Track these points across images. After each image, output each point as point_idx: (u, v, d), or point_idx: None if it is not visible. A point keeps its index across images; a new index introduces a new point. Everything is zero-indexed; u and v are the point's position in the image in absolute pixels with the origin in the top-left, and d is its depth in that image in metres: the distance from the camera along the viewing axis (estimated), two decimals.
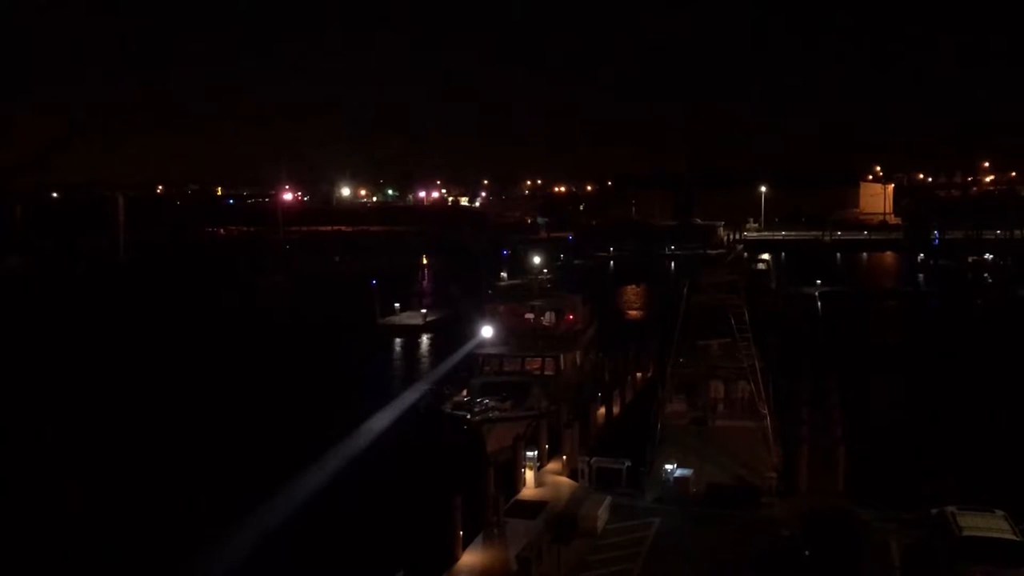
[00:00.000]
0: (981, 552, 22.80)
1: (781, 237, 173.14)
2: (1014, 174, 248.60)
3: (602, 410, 41.48)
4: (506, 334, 45.19)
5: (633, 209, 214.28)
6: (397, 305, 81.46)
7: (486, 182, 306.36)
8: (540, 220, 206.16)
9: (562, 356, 43.30)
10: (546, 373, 42.14)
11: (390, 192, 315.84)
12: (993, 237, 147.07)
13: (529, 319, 47.37)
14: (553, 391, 40.26)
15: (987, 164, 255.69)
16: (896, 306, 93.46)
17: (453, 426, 37.14)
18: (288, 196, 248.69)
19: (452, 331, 65.52)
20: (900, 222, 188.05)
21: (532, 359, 43.04)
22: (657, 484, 30.23)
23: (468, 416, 36.68)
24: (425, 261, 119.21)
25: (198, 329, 79.12)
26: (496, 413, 37.16)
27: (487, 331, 45.11)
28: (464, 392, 40.32)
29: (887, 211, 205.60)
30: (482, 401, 38.12)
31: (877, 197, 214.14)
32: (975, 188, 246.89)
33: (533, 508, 29.29)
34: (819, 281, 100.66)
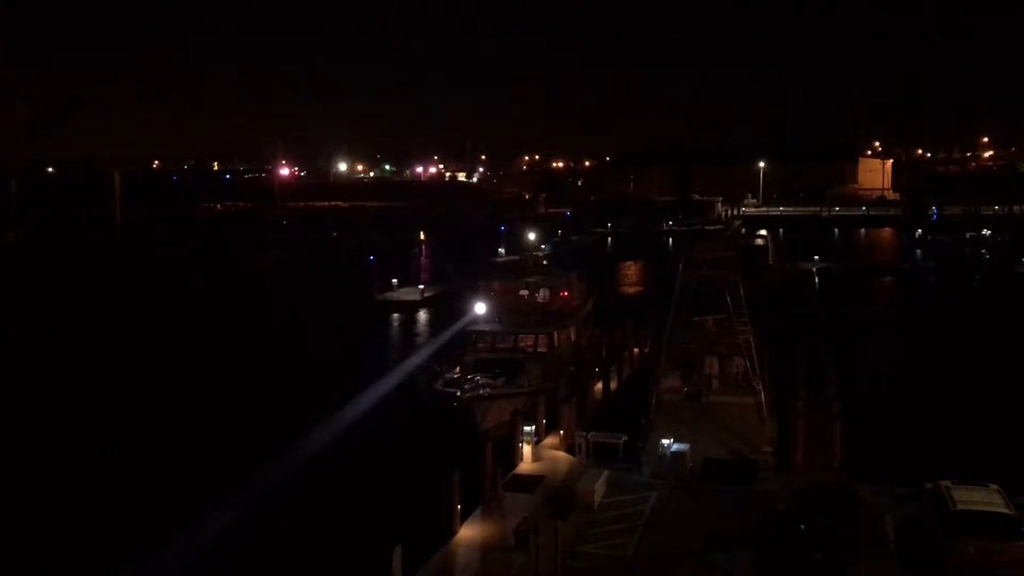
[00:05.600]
0: (975, 526, 22.94)
1: (779, 213, 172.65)
2: (1013, 149, 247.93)
3: (599, 386, 41.59)
4: (499, 311, 45.17)
5: (631, 185, 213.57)
6: (395, 281, 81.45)
7: (484, 157, 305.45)
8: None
9: (556, 333, 43.28)
10: (540, 350, 42.15)
11: (387, 167, 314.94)
12: (992, 213, 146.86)
13: (523, 296, 47.32)
14: (547, 368, 40.31)
15: (986, 139, 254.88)
16: (893, 282, 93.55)
17: (444, 403, 37.24)
18: (285, 171, 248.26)
19: (450, 307, 65.54)
20: (898, 198, 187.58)
21: (525, 336, 43.05)
22: (654, 459, 30.39)
23: (458, 393, 36.74)
24: (423, 237, 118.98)
25: (193, 304, 79.11)
26: (487, 391, 37.21)
27: (480, 308, 45.12)
28: (456, 369, 40.37)
29: (885, 187, 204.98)
30: (473, 378, 38.17)
31: (875, 173, 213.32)
32: (974, 164, 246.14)
33: (531, 482, 29.45)
34: (816, 257, 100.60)
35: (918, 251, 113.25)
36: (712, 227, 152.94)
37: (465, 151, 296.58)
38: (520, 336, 43.11)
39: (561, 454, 32.50)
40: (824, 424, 31.80)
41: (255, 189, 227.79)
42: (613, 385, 41.83)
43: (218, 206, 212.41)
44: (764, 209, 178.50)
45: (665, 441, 30.44)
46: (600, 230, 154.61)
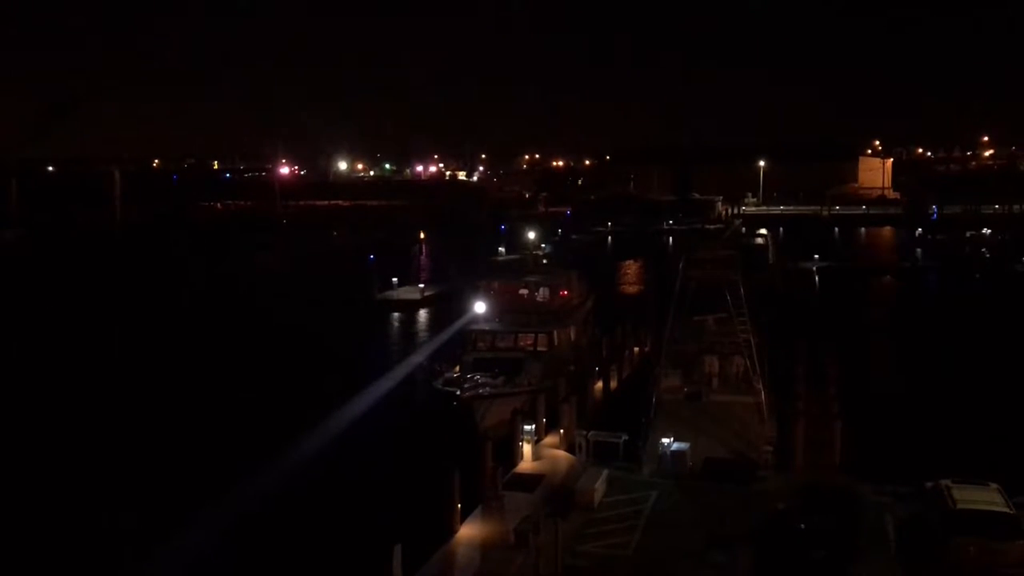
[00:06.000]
0: (974, 524, 22.99)
1: (779, 212, 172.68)
2: (1014, 148, 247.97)
3: (599, 385, 41.58)
4: (499, 310, 45.19)
5: (631, 184, 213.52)
6: (395, 280, 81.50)
7: (484, 156, 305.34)
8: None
9: (556, 332, 43.25)
10: (539, 349, 42.14)
11: (388, 166, 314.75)
12: (992, 212, 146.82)
13: (523, 295, 47.33)
14: (547, 367, 40.30)
15: (987, 138, 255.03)
16: (894, 281, 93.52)
17: (444, 402, 37.21)
18: (285, 170, 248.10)
19: (450, 306, 65.54)
20: (899, 197, 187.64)
21: (525, 335, 43.03)
22: (654, 458, 30.39)
23: (458, 392, 36.74)
24: (423, 236, 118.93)
25: (194, 303, 79.13)
26: (487, 389, 37.19)
27: (480, 307, 45.16)
28: (456, 368, 40.34)
29: (886, 186, 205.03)
30: (473, 377, 38.14)
31: (876, 172, 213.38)
32: (974, 163, 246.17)
33: (531, 481, 29.44)
34: (817, 256, 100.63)
35: (918, 250, 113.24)
36: (712, 226, 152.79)
37: (465, 151, 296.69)
38: (520, 335, 43.10)
39: (561, 453, 32.49)
40: (824, 423, 31.82)
41: (255, 188, 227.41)
42: (613, 384, 41.82)
43: (218, 205, 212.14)
44: (764, 208, 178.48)
45: (665, 440, 30.45)
46: (600, 229, 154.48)
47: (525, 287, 47.64)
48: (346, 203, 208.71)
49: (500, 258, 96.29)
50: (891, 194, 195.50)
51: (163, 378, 49.57)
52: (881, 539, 24.74)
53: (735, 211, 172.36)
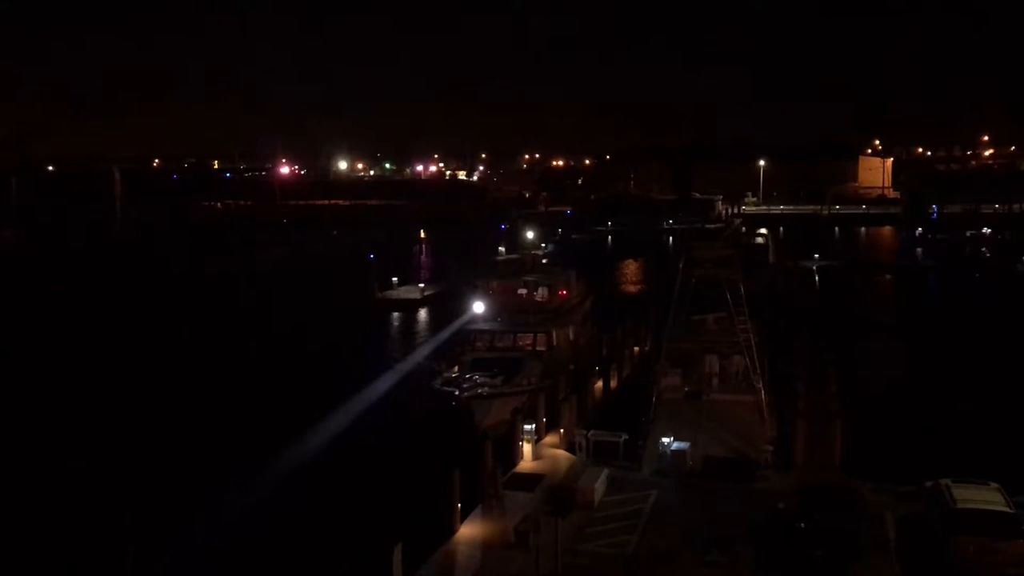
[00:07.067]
0: (975, 524, 22.98)
1: (779, 211, 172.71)
2: (1014, 148, 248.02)
3: (599, 384, 41.58)
4: (498, 310, 45.18)
5: (631, 183, 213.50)
6: (395, 279, 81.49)
7: (484, 156, 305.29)
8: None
9: (554, 332, 43.27)
10: (538, 349, 42.13)
11: (388, 166, 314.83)
12: (992, 211, 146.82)
13: (522, 295, 47.34)
14: (546, 366, 40.27)
15: (987, 138, 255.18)
16: (894, 280, 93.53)
17: (444, 402, 37.20)
18: (285, 170, 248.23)
19: (450, 305, 65.52)
20: (899, 196, 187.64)
21: (524, 335, 43.02)
22: (654, 457, 30.39)
23: (458, 392, 36.72)
24: (423, 235, 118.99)
25: (194, 303, 79.12)
26: (486, 389, 37.18)
27: (479, 307, 45.17)
28: (455, 368, 40.34)
29: (886, 185, 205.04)
30: (472, 377, 38.12)
31: (876, 171, 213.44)
32: (974, 162, 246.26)
33: (531, 481, 29.45)
34: (817, 255, 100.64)
35: (918, 249, 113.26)
36: (712, 225, 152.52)
37: (465, 150, 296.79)
38: (519, 335, 43.10)
39: (561, 452, 32.49)
40: (824, 422, 31.80)
41: (256, 187, 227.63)
42: (613, 383, 41.81)
43: (219, 205, 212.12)
44: (764, 207, 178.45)
45: (665, 439, 30.45)
46: (600, 228, 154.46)
47: (524, 287, 47.63)
48: (346, 203, 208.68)
49: (500, 258, 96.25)
50: (891, 193, 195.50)
51: (163, 377, 49.54)
52: (881, 538, 24.74)
53: (735, 210, 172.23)
